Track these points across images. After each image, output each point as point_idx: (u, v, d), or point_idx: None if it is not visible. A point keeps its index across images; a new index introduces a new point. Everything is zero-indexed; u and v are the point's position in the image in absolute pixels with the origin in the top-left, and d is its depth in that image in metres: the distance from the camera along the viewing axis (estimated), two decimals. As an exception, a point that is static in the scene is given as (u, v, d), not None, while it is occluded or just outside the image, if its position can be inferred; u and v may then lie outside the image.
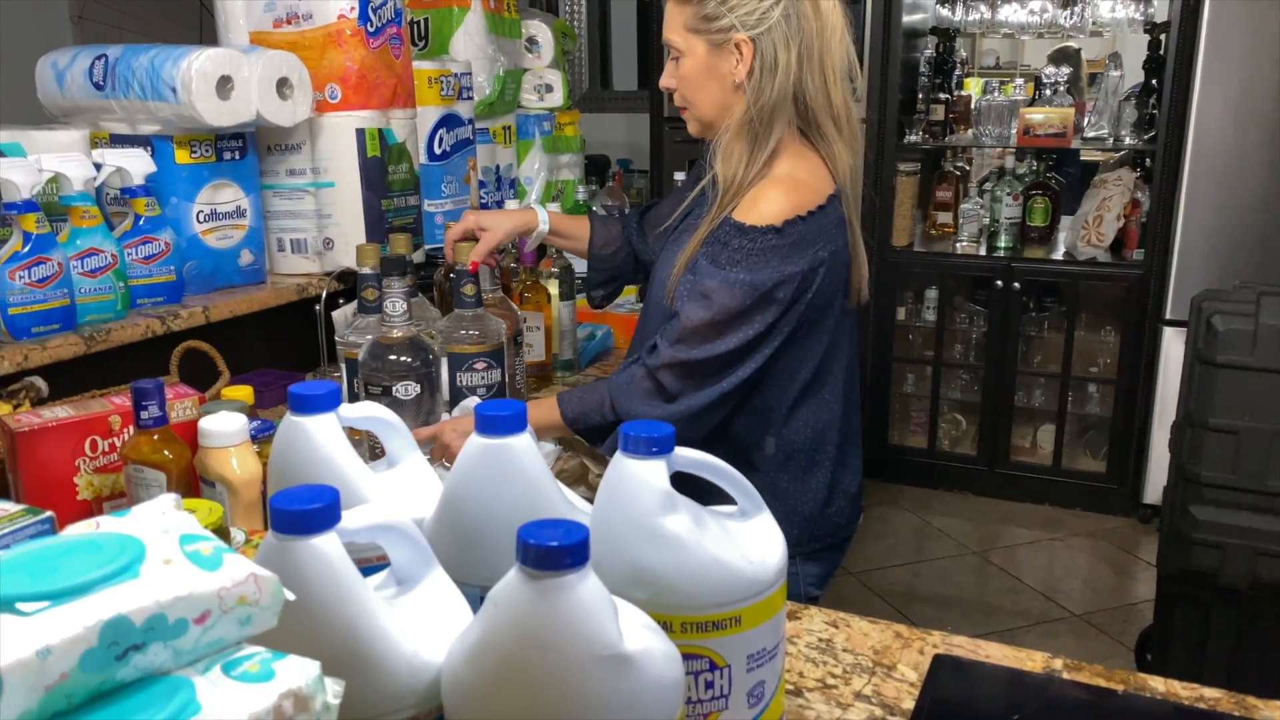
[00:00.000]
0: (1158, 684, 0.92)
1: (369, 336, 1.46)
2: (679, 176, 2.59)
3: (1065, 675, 0.94)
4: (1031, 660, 0.96)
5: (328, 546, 0.63)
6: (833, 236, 1.37)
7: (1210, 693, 0.91)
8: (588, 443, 1.46)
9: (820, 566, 1.49)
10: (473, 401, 1.59)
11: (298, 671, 0.53)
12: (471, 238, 1.65)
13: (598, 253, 1.73)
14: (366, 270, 1.47)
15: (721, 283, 1.31)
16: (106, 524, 0.57)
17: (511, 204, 2.17)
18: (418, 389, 1.40)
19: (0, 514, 0.66)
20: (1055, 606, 2.96)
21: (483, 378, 1.53)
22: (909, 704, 0.89)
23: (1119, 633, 2.81)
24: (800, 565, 1.45)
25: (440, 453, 1.40)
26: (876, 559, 3.28)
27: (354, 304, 1.94)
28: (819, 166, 1.39)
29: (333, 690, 0.55)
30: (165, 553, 0.54)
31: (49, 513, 0.69)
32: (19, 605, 0.48)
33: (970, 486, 3.73)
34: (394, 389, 1.39)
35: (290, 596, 0.57)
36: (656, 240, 1.64)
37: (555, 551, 0.57)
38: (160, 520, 0.57)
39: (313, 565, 0.62)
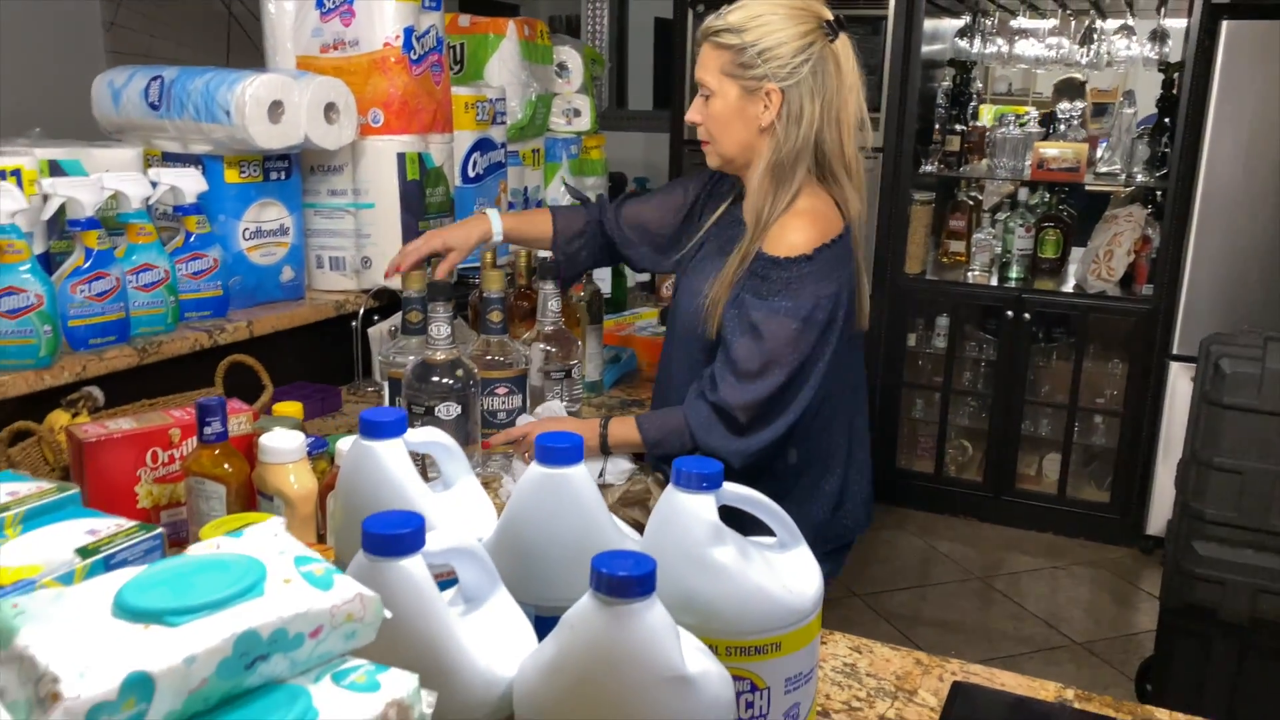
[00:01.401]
0: (1163, 715, 0.98)
1: (412, 356, 1.53)
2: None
3: (1076, 705, 1.00)
4: (1045, 690, 1.02)
5: (414, 568, 0.69)
6: (849, 263, 1.52)
7: (1213, 726, 0.96)
8: (661, 463, 1.57)
9: (826, 567, 1.55)
10: (557, 404, 1.70)
11: (400, 683, 0.59)
12: (436, 256, 1.75)
13: (564, 246, 1.78)
14: (412, 294, 1.54)
15: (768, 313, 1.43)
16: (226, 545, 0.63)
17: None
18: (459, 409, 1.47)
19: (116, 530, 0.72)
20: (1057, 634, 3.02)
21: (504, 402, 1.60)
22: (930, 728, 0.95)
23: (1120, 662, 2.86)
24: None
25: (528, 448, 1.51)
26: (882, 581, 3.33)
27: (389, 321, 2.01)
28: (832, 204, 1.51)
29: (428, 701, 0.61)
30: (284, 573, 0.60)
31: (159, 529, 0.75)
32: (168, 619, 0.54)
33: (976, 512, 3.78)
34: (436, 409, 1.45)
35: (388, 615, 0.63)
36: (640, 239, 1.74)
37: (627, 581, 0.63)
38: (274, 542, 0.64)
39: (401, 584, 0.69)
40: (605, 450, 1.56)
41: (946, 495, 3.82)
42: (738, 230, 1.54)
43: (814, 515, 1.55)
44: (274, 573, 0.60)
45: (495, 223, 1.77)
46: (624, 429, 1.54)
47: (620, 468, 1.58)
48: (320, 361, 2.00)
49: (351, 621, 0.60)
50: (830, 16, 1.48)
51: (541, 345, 1.70)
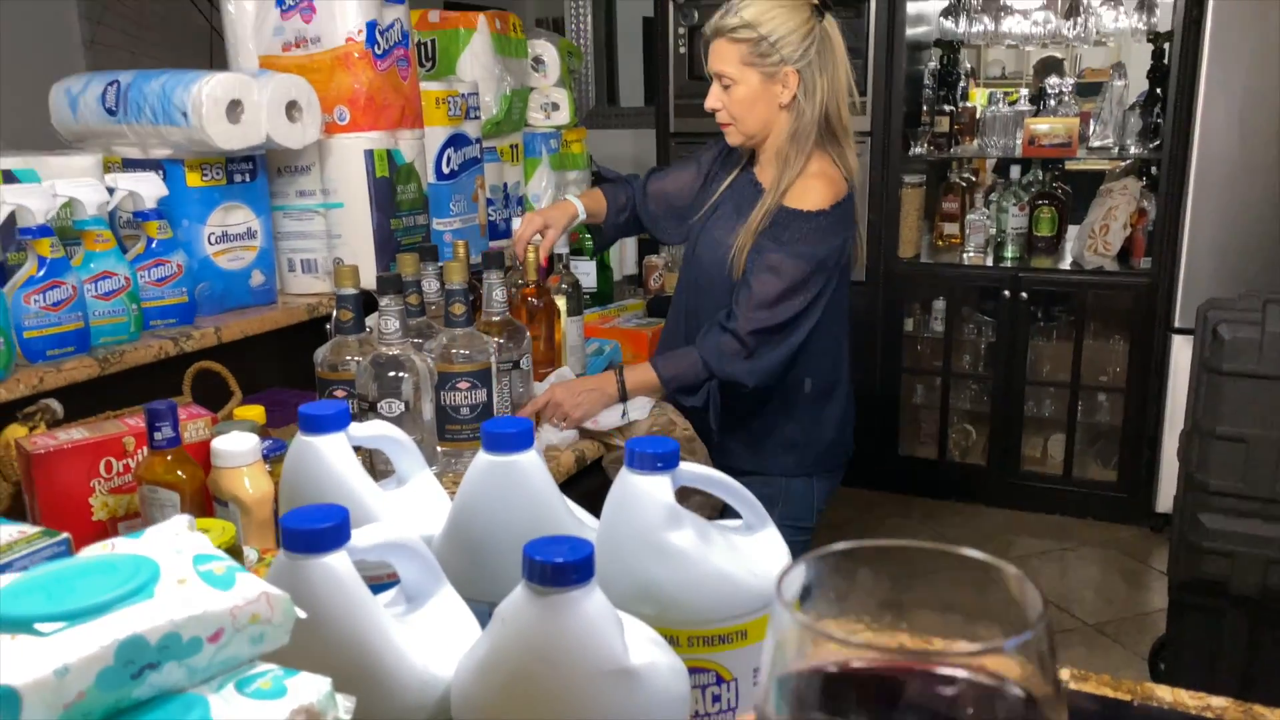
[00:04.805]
0: (1165, 693, 0.92)
1: (348, 356, 1.47)
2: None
3: (1073, 685, 0.94)
4: (1039, 671, 0.97)
5: (338, 564, 0.64)
6: (854, 220, 1.79)
7: (1218, 701, 0.91)
8: (679, 397, 1.79)
9: (828, 483, 1.90)
10: (565, 370, 1.85)
11: (309, 688, 0.54)
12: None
13: (613, 220, 2.07)
14: (347, 291, 1.45)
15: (788, 256, 1.68)
16: (121, 545, 0.58)
17: (519, 220, 2.18)
18: (401, 407, 1.40)
19: (18, 536, 0.67)
20: (1068, 616, 2.95)
21: (466, 397, 1.54)
22: (916, 715, 0.89)
23: (1132, 642, 2.80)
24: (816, 483, 1.86)
25: (553, 412, 1.71)
26: (888, 571, 3.27)
27: (369, 318, 1.96)
28: (837, 167, 1.76)
29: (344, 706, 0.56)
30: (179, 572, 0.55)
31: (65, 535, 0.70)
32: (37, 626, 0.49)
33: (982, 497, 3.72)
34: (379, 406, 1.40)
35: (301, 614, 0.58)
36: (662, 212, 2.02)
37: (561, 568, 0.58)
38: (174, 541, 0.59)
39: (323, 583, 0.63)
40: (624, 396, 1.75)
41: (951, 480, 3.76)
42: (751, 191, 1.80)
43: (824, 436, 1.85)
44: (168, 573, 0.54)
45: (579, 205, 2.02)
46: (639, 374, 1.75)
47: (640, 403, 1.75)
48: (295, 367, 1.94)
49: (257, 623, 0.55)
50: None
51: (494, 339, 1.65)
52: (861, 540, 0.42)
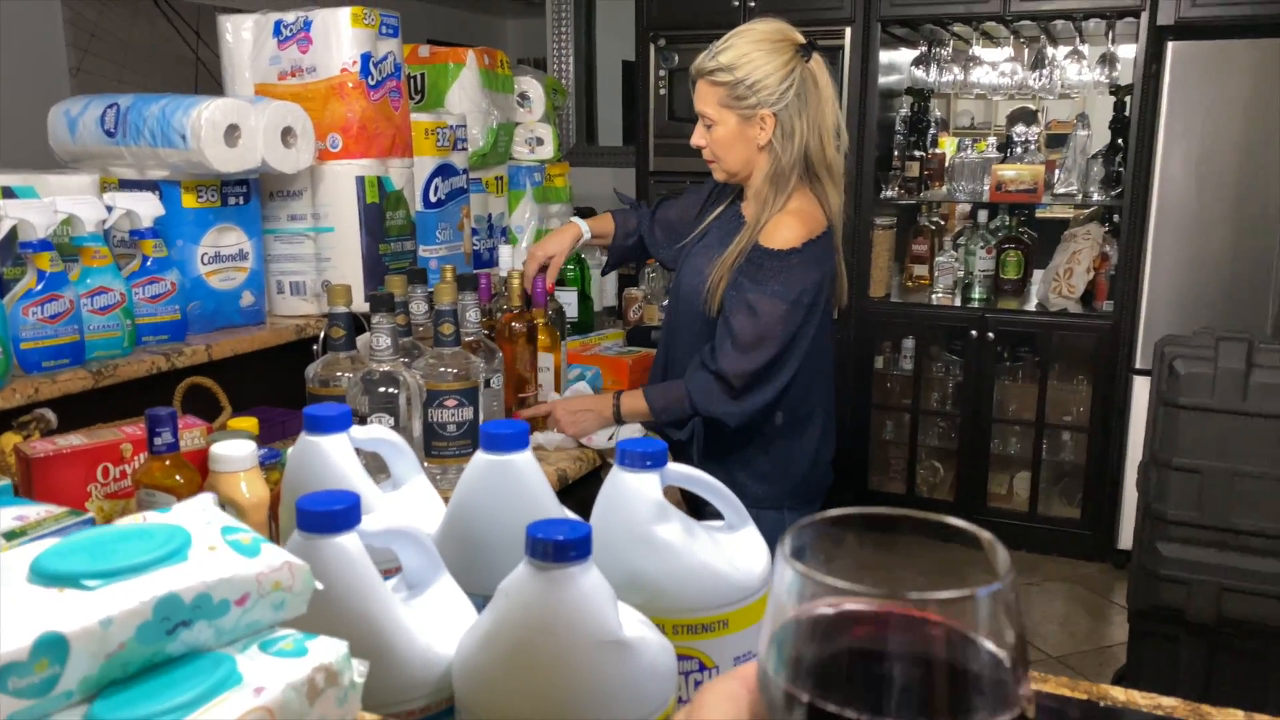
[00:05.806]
0: (1118, 694, 0.98)
1: (339, 373, 1.51)
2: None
3: (1032, 686, 0.99)
4: (1001, 673, 1.02)
5: (349, 544, 0.69)
6: (832, 256, 1.79)
7: (1168, 702, 0.97)
8: (667, 430, 1.84)
9: (802, 515, 1.74)
10: (583, 385, 1.95)
11: (328, 649, 0.58)
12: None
13: (620, 244, 2.16)
14: (339, 309, 1.48)
15: (762, 295, 1.70)
16: (153, 517, 0.62)
17: (504, 248, 2.24)
18: (391, 421, 1.44)
19: (45, 515, 0.71)
20: (1031, 649, 3.01)
21: (453, 414, 1.58)
22: (885, 711, 0.94)
23: (1094, 674, 2.86)
24: (788, 515, 1.85)
25: (550, 425, 1.83)
26: (857, 603, 3.31)
27: (361, 338, 1.99)
28: (817, 204, 1.77)
29: (358, 669, 0.60)
30: (209, 540, 0.59)
31: (90, 514, 0.74)
32: (84, 581, 0.53)
33: (949, 533, 3.78)
34: (369, 421, 1.43)
35: (319, 585, 0.63)
36: (665, 238, 2.07)
37: (562, 545, 0.63)
38: (202, 514, 0.63)
39: (336, 561, 0.68)
40: (619, 420, 1.82)
41: (919, 517, 3.82)
42: (736, 224, 1.82)
43: (797, 468, 1.84)
44: (199, 540, 0.59)
45: (583, 226, 2.12)
46: (633, 400, 1.81)
47: (631, 429, 1.84)
48: (281, 386, 1.98)
49: (279, 590, 0.60)
50: (803, 40, 1.73)
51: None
52: (847, 508, 0.47)
